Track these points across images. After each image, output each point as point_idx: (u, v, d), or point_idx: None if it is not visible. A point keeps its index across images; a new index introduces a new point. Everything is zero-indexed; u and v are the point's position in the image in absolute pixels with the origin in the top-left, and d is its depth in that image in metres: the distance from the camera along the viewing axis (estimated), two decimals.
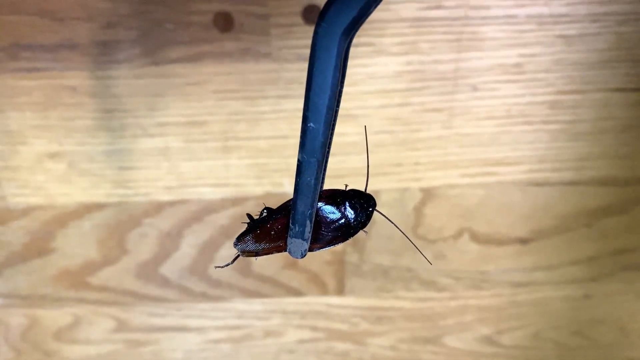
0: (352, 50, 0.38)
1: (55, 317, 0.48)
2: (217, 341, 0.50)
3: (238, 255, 0.28)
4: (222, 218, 0.44)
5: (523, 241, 0.46)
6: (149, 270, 0.46)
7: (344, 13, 0.19)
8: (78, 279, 0.46)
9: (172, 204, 0.43)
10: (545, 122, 0.41)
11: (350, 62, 0.38)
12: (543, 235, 0.46)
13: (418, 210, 0.44)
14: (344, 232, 0.27)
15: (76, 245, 0.45)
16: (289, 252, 0.27)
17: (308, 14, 0.36)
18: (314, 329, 0.49)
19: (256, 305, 0.48)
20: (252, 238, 0.27)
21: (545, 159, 0.42)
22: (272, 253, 0.28)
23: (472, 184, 0.43)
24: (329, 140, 0.23)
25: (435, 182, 0.43)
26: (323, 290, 0.48)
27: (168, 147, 0.41)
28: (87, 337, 0.49)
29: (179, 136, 0.40)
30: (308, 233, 0.25)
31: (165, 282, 0.47)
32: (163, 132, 0.40)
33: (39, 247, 0.45)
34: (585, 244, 0.47)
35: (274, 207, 0.27)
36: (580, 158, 0.42)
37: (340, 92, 0.23)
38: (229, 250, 0.46)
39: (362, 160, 0.42)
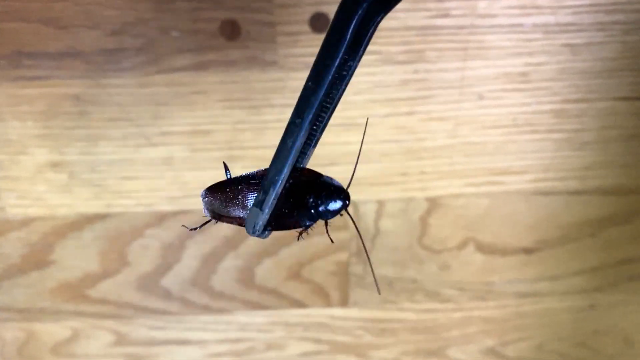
0: None
1: (53, 331, 0.47)
2: (218, 355, 0.49)
3: (208, 221, 0.26)
4: (225, 229, 0.43)
5: (528, 251, 0.46)
6: (150, 283, 0.45)
7: None
8: (77, 292, 0.45)
9: (174, 214, 0.42)
10: (550, 131, 0.41)
11: (356, 71, 0.38)
12: (548, 245, 0.46)
13: (423, 220, 0.44)
14: (303, 219, 0.25)
15: (76, 257, 0.44)
16: (245, 224, 0.25)
17: (315, 22, 0.36)
18: (317, 341, 0.49)
19: (258, 317, 0.47)
20: (221, 196, 0.25)
21: (551, 168, 0.42)
22: (232, 223, 0.26)
23: (477, 193, 0.43)
24: (324, 114, 0.22)
25: (440, 192, 0.43)
26: (326, 301, 0.47)
27: (172, 156, 0.40)
28: (85, 352, 0.48)
29: (183, 145, 0.40)
30: (270, 204, 0.23)
31: (167, 295, 0.46)
32: (167, 141, 0.39)
33: (37, 259, 0.44)
34: (589, 254, 0.46)
35: None
36: (586, 167, 0.42)
37: (352, 69, 0.22)
38: (232, 262, 0.45)
39: (368, 169, 0.41)
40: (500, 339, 0.50)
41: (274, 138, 0.40)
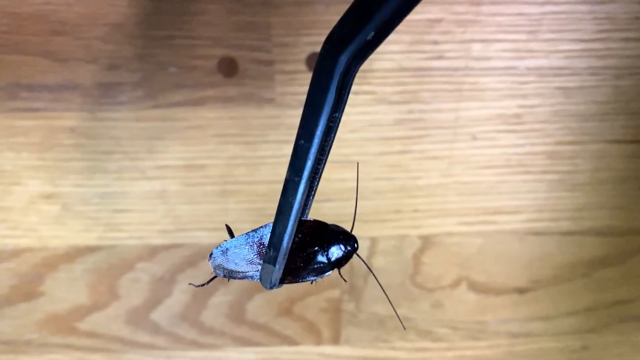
0: (353, 98, 0.38)
1: None
2: None
3: (214, 277, 0.27)
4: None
5: (521, 291, 0.46)
6: (139, 316, 0.45)
7: (347, 38, 0.20)
8: (65, 325, 0.45)
9: (166, 248, 0.42)
10: (543, 172, 0.41)
11: (351, 110, 0.38)
12: (541, 285, 0.46)
13: (417, 258, 0.44)
14: (319, 269, 0.26)
15: (66, 290, 0.43)
16: (260, 280, 0.26)
17: (312, 61, 0.37)
18: None
19: (248, 354, 0.47)
20: (230, 258, 0.26)
21: (544, 209, 0.42)
22: (245, 278, 0.26)
23: (470, 232, 0.43)
24: (319, 166, 0.23)
25: (433, 230, 0.43)
26: (318, 339, 0.47)
27: (165, 190, 0.40)
28: None
29: (177, 179, 0.40)
30: (282, 259, 0.24)
31: (156, 329, 0.45)
32: (161, 175, 0.39)
33: (26, 290, 0.43)
34: (582, 295, 0.46)
35: None
36: (578, 208, 0.43)
37: (338, 120, 0.23)
38: (222, 297, 0.45)
39: (362, 206, 0.41)
40: None
41: (269, 173, 0.40)
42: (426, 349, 0.47)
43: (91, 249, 0.42)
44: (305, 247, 0.25)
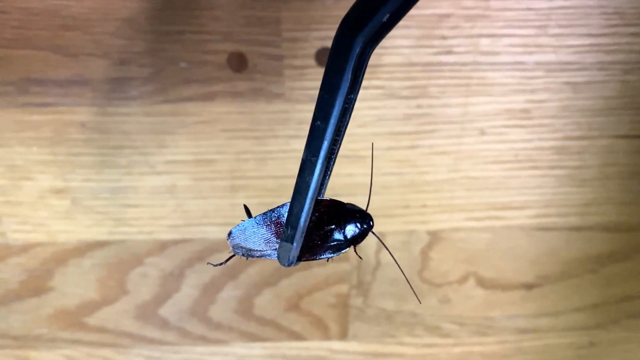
0: (362, 92, 0.38)
1: (48, 359, 0.46)
2: None
3: (233, 255, 0.28)
4: (224, 258, 0.43)
5: (528, 287, 0.46)
6: (148, 311, 0.45)
7: (363, 20, 0.20)
8: (74, 320, 0.45)
9: (175, 242, 0.42)
10: (551, 167, 0.41)
11: (360, 104, 0.38)
12: (548, 280, 0.46)
13: (424, 254, 0.44)
14: (335, 246, 0.26)
15: (75, 284, 0.44)
16: (278, 258, 0.26)
17: (321, 56, 0.37)
18: None
19: (256, 349, 0.47)
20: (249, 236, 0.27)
21: (551, 204, 0.42)
22: (263, 257, 0.27)
23: (478, 227, 0.43)
24: (335, 147, 0.23)
25: (441, 225, 0.43)
26: (325, 334, 0.47)
27: (175, 185, 0.40)
28: None
29: (186, 174, 0.40)
30: (299, 237, 0.25)
31: (164, 324, 0.46)
32: (171, 169, 0.40)
33: (36, 285, 0.43)
34: (590, 290, 0.46)
35: None
36: (586, 203, 0.43)
37: (353, 101, 0.24)
38: (231, 292, 0.45)
39: (371, 201, 0.41)
40: None
41: (278, 168, 0.40)
42: (434, 345, 0.47)
43: (101, 244, 0.42)
44: (322, 226, 0.26)
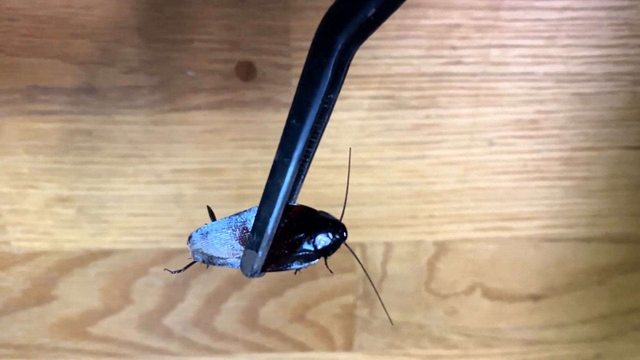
0: (370, 102, 0.38)
1: None
2: None
3: (193, 262, 0.26)
4: (231, 268, 0.43)
5: (535, 298, 0.46)
6: (152, 321, 0.45)
7: (346, 16, 0.20)
8: (78, 329, 0.44)
9: (181, 252, 0.42)
10: (560, 178, 0.41)
11: (368, 114, 0.38)
12: (555, 292, 0.45)
13: (431, 264, 0.44)
14: (304, 256, 0.24)
15: (79, 294, 0.43)
16: (241, 267, 0.24)
17: None
18: None
19: None
20: (210, 240, 0.25)
21: (559, 215, 0.42)
22: (225, 265, 0.25)
23: (486, 238, 0.43)
24: (310, 149, 0.22)
25: (449, 236, 0.43)
26: (331, 345, 0.46)
27: (181, 194, 0.40)
28: None
29: (193, 183, 0.40)
30: (265, 245, 0.23)
31: (168, 334, 0.45)
32: (177, 178, 0.39)
33: (39, 294, 0.43)
34: (597, 302, 0.46)
35: None
36: (594, 215, 0.42)
37: (333, 102, 0.22)
38: (235, 303, 0.44)
39: (377, 211, 0.41)
40: None
41: None
42: (440, 356, 0.47)
43: (105, 253, 0.42)
44: (290, 234, 0.24)
